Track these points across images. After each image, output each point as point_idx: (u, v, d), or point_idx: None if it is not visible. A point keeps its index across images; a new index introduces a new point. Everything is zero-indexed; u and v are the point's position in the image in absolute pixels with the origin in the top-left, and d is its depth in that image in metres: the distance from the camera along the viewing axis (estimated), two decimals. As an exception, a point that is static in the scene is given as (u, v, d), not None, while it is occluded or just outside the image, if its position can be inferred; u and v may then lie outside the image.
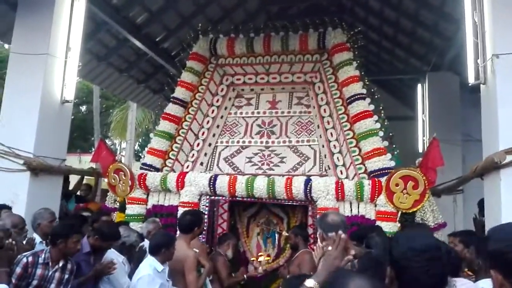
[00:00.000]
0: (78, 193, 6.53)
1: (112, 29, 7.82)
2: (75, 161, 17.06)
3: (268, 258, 5.47)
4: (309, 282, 1.84)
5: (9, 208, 4.14)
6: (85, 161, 19.12)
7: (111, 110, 22.86)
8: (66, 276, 3.45)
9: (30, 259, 3.28)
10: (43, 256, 3.35)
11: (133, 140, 17.68)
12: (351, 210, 4.66)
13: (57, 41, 5.35)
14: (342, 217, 3.64)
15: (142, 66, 9.64)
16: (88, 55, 7.92)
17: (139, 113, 17.93)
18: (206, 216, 4.94)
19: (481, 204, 4.77)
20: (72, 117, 5.88)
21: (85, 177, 6.60)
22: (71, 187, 6.45)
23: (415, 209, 4.41)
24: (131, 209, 5.19)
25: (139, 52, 8.93)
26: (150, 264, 3.51)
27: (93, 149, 20.96)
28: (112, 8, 7.11)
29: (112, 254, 3.88)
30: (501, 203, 3.44)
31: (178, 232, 4.32)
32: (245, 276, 4.95)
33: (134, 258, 4.06)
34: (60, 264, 3.40)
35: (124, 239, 4.05)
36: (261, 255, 5.36)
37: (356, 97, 5.10)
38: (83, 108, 25.48)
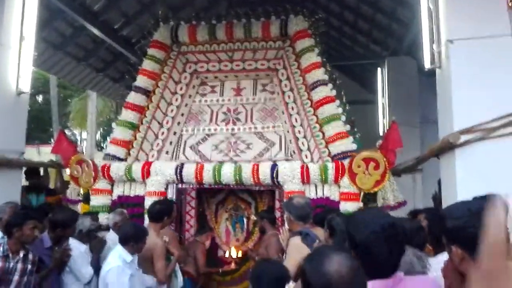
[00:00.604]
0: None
1: (68, 16, 7.52)
2: (34, 153, 16.47)
3: (240, 250, 5.62)
4: None
5: None
6: (44, 153, 18.48)
7: (69, 100, 22.15)
8: (29, 266, 3.39)
9: None
10: (1, 249, 3.28)
11: (94, 130, 17.23)
12: (316, 192, 4.80)
13: (10, 30, 5.10)
14: (307, 199, 3.78)
15: (100, 54, 9.35)
16: (43, 44, 7.60)
17: (99, 102, 17.48)
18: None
19: (440, 182, 5.03)
20: (29, 108, 5.67)
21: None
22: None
23: (376, 189, 4.60)
24: (96, 200, 5.11)
25: (97, 40, 8.64)
26: (119, 255, 3.49)
27: (52, 140, 20.30)
28: (67, -6, 6.84)
29: (73, 245, 3.85)
30: (456, 180, 3.63)
31: (147, 221, 4.32)
32: (220, 270, 5.11)
33: (94, 248, 4.02)
34: (21, 255, 3.34)
35: (79, 227, 4.02)
36: (232, 251, 5.50)
37: (319, 83, 5.20)
38: (40, 98, 24.50)
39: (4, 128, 4.95)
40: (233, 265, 5.18)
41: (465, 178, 3.64)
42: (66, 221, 3.78)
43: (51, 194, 5.87)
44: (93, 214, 4.56)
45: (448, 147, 3.73)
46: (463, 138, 3.65)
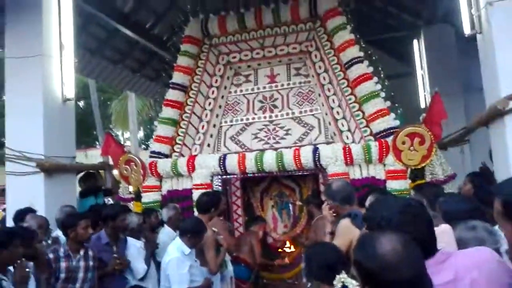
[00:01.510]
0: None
1: (101, 21, 7.76)
2: (81, 157, 17.20)
3: (292, 246, 5.70)
4: None
5: (34, 211, 4.24)
6: (91, 155, 19.29)
7: (109, 102, 22.88)
8: (91, 263, 3.59)
9: (51, 255, 3.40)
10: (62, 249, 3.49)
11: (136, 129, 17.76)
12: (361, 173, 4.75)
13: (50, 40, 5.35)
14: (345, 181, 3.76)
15: (135, 55, 9.60)
16: (80, 50, 7.88)
17: (138, 101, 17.94)
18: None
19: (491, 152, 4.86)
20: (73, 113, 5.94)
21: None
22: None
23: (423, 164, 4.49)
24: (147, 197, 5.30)
25: (131, 41, 8.88)
26: (177, 247, 3.63)
27: (98, 143, 21.10)
28: (98, -1, 7.04)
29: (131, 241, 4.03)
30: (508, 149, 3.50)
31: (196, 213, 4.44)
32: (275, 262, 5.23)
33: (147, 247, 4.16)
34: (81, 253, 3.53)
35: (130, 225, 4.17)
36: (286, 247, 5.62)
37: (354, 61, 5.10)
38: (81, 103, 25.45)
39: (55, 135, 5.22)
40: (287, 260, 5.28)
41: (517, 146, 3.50)
42: (113, 213, 3.95)
43: (107, 194, 6.15)
44: (153, 211, 4.76)
45: (497, 114, 3.59)
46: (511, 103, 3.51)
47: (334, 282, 2.26)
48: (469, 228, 1.88)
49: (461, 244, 1.87)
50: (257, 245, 5.09)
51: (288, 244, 5.68)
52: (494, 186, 1.65)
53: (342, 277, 2.28)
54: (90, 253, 3.62)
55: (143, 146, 20.78)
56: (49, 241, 3.87)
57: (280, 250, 5.66)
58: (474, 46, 4.26)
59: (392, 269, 1.25)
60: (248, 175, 5.13)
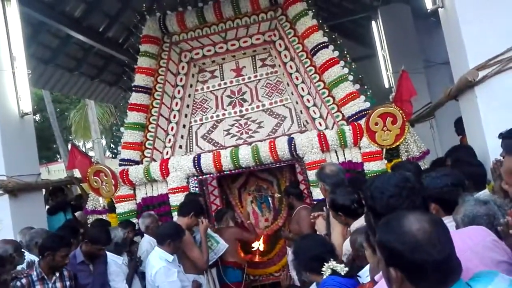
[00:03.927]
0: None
1: (51, 28, 7.38)
2: (44, 173, 16.48)
3: (263, 244, 5.53)
4: None
5: None
6: (53, 171, 18.56)
7: (66, 113, 22.08)
8: (68, 283, 3.42)
9: (24, 281, 3.22)
10: (35, 272, 3.30)
11: (99, 138, 17.20)
12: (338, 158, 4.73)
13: (0, 53, 5.01)
14: (339, 166, 3.72)
15: (91, 60, 9.20)
16: (33, 60, 7.47)
17: (97, 109, 17.36)
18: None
19: (457, 123, 4.95)
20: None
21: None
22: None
23: (398, 143, 4.52)
24: (121, 207, 5.06)
25: (85, 47, 8.51)
26: (160, 257, 3.49)
27: (59, 157, 20.29)
28: (45, 5, 6.67)
29: (111, 258, 3.83)
30: (481, 119, 3.54)
31: (175, 217, 4.30)
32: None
33: (131, 265, 3.99)
34: (57, 274, 3.36)
35: (115, 240, 3.98)
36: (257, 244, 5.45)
37: (319, 46, 5.06)
38: (37, 116, 24.40)
39: (16, 152, 4.91)
40: (257, 258, 5.18)
41: (489, 115, 3.55)
42: (95, 239, 3.72)
43: (76, 209, 5.86)
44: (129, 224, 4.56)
45: (467, 86, 3.63)
46: (481, 74, 3.55)
47: (323, 269, 2.26)
48: (481, 203, 1.83)
49: (471, 221, 1.83)
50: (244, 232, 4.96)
51: (258, 243, 5.51)
52: (505, 143, 1.62)
53: (330, 264, 2.28)
54: (65, 273, 3.44)
55: (109, 154, 20.22)
56: (24, 266, 3.61)
57: (252, 248, 5.51)
58: (430, 22, 4.30)
59: (422, 250, 1.19)
60: (225, 172, 5.01)
